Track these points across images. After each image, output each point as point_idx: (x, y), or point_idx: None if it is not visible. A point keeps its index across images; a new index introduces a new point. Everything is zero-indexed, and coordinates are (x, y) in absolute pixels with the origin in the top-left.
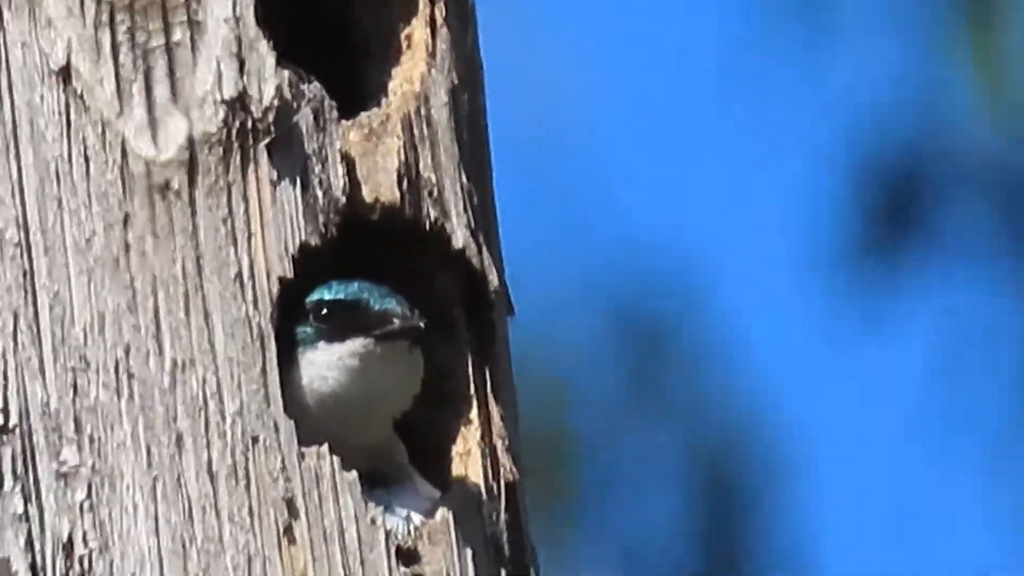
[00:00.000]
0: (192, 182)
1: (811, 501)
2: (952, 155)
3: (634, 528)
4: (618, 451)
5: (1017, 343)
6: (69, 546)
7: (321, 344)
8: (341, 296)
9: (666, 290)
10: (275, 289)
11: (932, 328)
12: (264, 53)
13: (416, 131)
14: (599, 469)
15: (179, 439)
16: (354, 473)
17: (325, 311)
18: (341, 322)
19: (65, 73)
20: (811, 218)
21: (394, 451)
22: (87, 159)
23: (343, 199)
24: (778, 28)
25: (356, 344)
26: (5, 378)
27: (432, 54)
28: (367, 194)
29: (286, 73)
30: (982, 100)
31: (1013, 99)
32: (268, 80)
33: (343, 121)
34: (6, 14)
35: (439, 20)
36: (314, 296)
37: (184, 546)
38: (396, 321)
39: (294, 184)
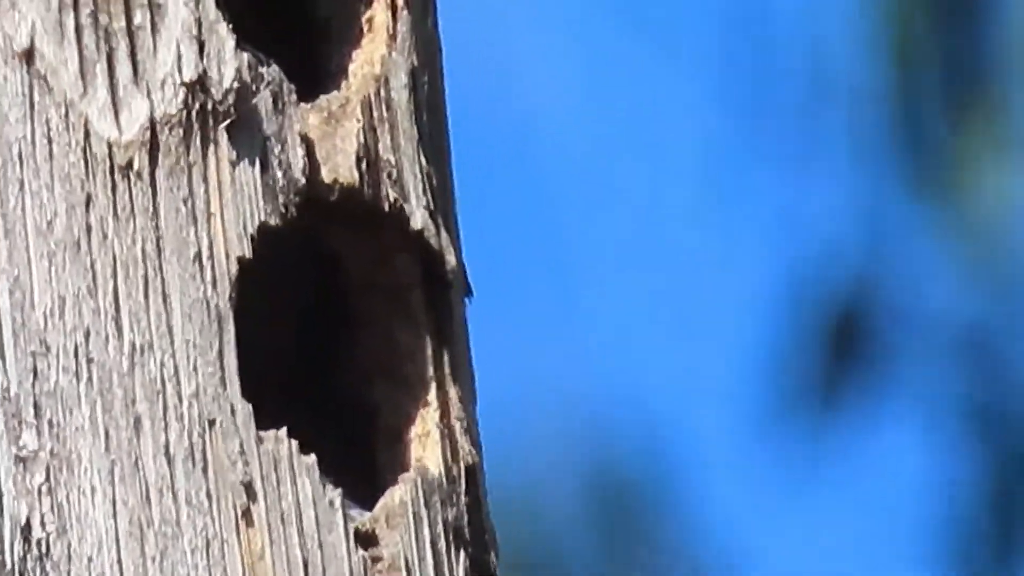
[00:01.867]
0: (153, 163)
1: None
2: (908, 301)
3: None
4: None
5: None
6: (27, 529)
7: None
8: None
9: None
10: (234, 270)
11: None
12: (224, 35)
13: (376, 113)
14: None
15: (137, 422)
16: (312, 456)
17: None
18: None
19: (28, 55)
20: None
21: None
22: (50, 140)
23: (302, 180)
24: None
25: None
26: None
27: (393, 36)
28: (326, 175)
29: (245, 56)
30: (950, 247)
31: (984, 252)
32: (228, 62)
33: (303, 104)
34: None
35: (400, 2)
36: None
37: (142, 528)
38: None
39: (253, 165)
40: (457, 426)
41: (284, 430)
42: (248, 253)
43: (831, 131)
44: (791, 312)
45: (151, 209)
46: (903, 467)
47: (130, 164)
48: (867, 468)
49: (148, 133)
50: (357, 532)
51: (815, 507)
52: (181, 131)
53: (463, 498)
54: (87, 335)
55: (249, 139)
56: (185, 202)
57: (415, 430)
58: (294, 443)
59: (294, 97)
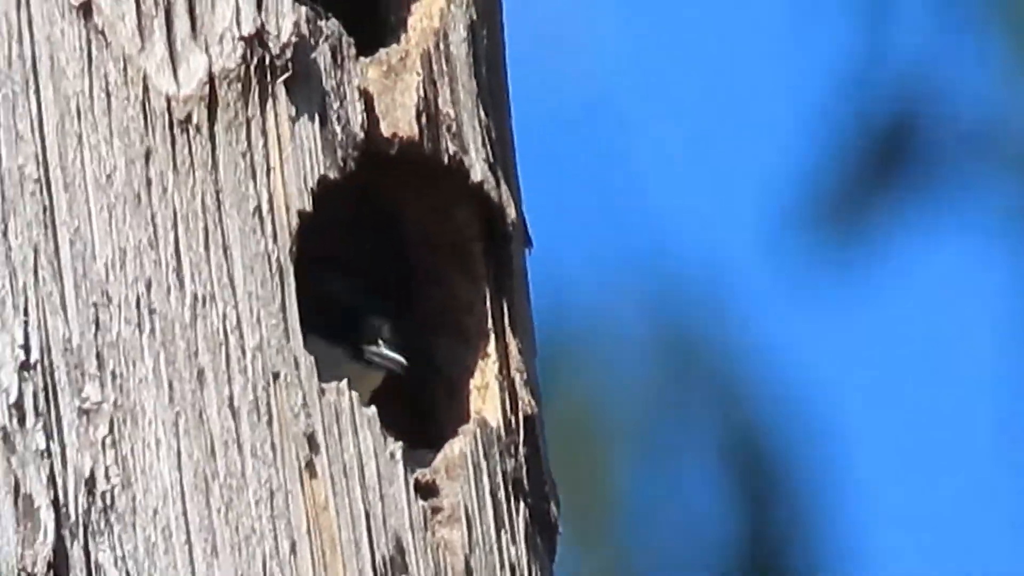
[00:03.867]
0: (212, 117)
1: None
2: (950, 113)
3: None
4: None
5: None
6: (91, 482)
7: (311, 336)
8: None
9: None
10: (294, 223)
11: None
12: None
13: (435, 67)
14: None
15: (200, 374)
16: (373, 409)
17: (327, 302)
18: (336, 321)
19: (86, 8)
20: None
21: None
22: (108, 94)
23: (361, 134)
24: None
25: (337, 354)
26: (26, 314)
27: None
28: (385, 129)
29: (303, 10)
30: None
31: None
32: (286, 16)
33: (362, 58)
34: None
35: None
36: (324, 284)
37: (207, 481)
38: (382, 346)
39: (312, 120)
40: (517, 378)
41: (345, 382)
42: (308, 207)
43: None
44: (837, 122)
45: (210, 163)
46: (956, 276)
47: (189, 118)
48: (916, 274)
49: (207, 88)
50: (418, 483)
51: (854, 312)
52: (240, 86)
53: (522, 449)
54: (149, 286)
55: (308, 93)
56: (244, 156)
57: (475, 382)
58: (355, 395)
59: (353, 51)
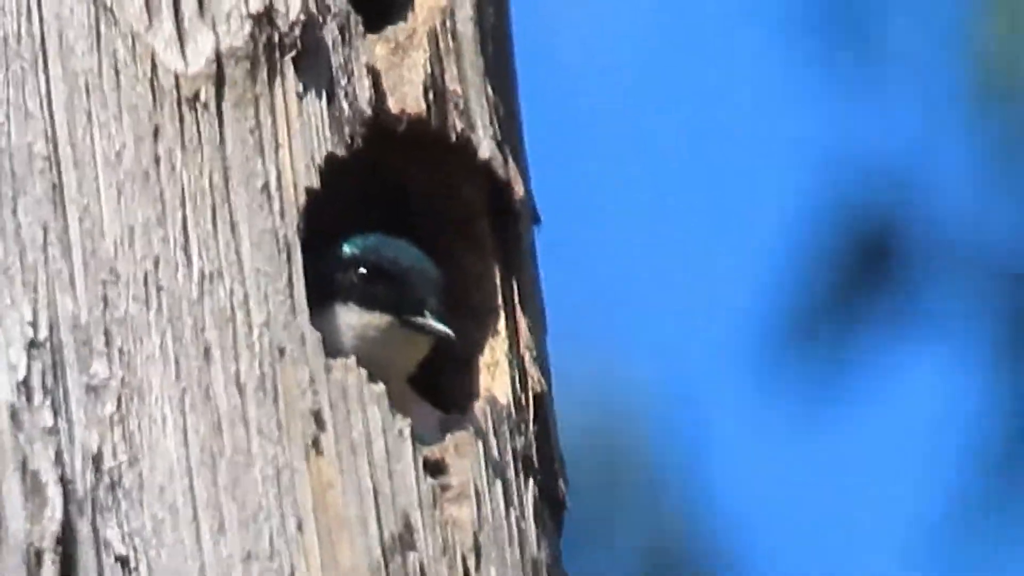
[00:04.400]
0: (220, 95)
1: None
2: (930, 224)
3: None
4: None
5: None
6: (99, 458)
7: (352, 304)
8: (384, 264)
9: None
10: (302, 200)
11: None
12: None
13: (442, 44)
14: None
15: (207, 351)
16: (381, 386)
17: (365, 272)
18: (378, 290)
19: None
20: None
21: (406, 399)
22: (117, 72)
23: (369, 111)
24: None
25: (383, 321)
26: (35, 292)
27: None
28: (393, 106)
29: None
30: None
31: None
32: None
33: (369, 35)
34: None
35: None
36: (357, 247)
37: (213, 457)
38: (429, 316)
39: (320, 97)
40: (526, 355)
41: (353, 359)
42: (316, 183)
43: (881, 56)
44: (816, 236)
45: (218, 140)
46: (926, 396)
47: (197, 96)
48: (888, 396)
49: (214, 65)
50: (426, 460)
51: (832, 436)
52: (247, 63)
53: (532, 427)
54: (156, 263)
55: (315, 71)
56: (252, 133)
57: (484, 359)
58: (363, 372)
59: (360, 28)
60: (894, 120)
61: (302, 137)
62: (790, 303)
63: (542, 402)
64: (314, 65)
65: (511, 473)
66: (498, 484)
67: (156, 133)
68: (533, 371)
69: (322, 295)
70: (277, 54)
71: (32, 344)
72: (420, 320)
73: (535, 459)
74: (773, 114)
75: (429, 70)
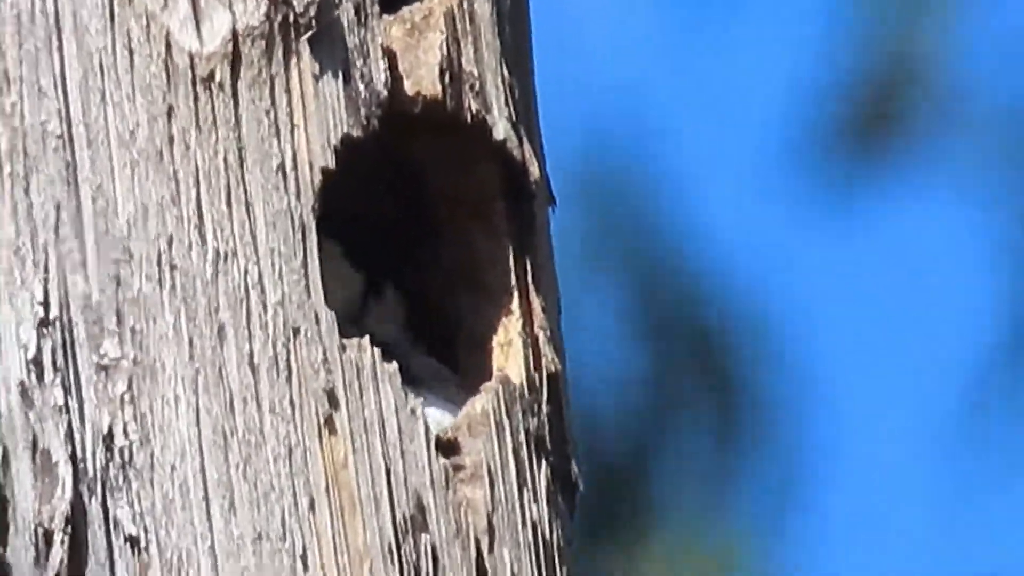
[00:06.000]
0: (235, 75)
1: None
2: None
3: None
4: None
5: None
6: (109, 438)
7: None
8: None
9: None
10: (317, 180)
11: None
12: None
13: (459, 25)
14: None
15: (221, 330)
16: (394, 364)
17: None
18: None
19: None
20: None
21: None
22: (131, 52)
23: (385, 92)
24: None
25: None
26: (47, 271)
27: None
28: (409, 88)
29: None
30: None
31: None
32: None
33: (385, 16)
34: None
35: None
36: None
37: (225, 437)
38: None
39: (336, 77)
40: (540, 335)
41: (367, 338)
42: (331, 164)
43: None
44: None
45: (233, 120)
46: (929, 230)
47: (212, 76)
48: (896, 224)
49: (230, 45)
50: (439, 440)
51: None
52: (263, 43)
53: (545, 407)
54: (170, 242)
55: (331, 51)
56: (267, 114)
57: (497, 339)
58: (376, 351)
59: (376, 8)
60: None
61: (318, 118)
62: (800, 137)
63: (556, 383)
64: (330, 46)
65: (524, 454)
66: (511, 465)
67: (170, 113)
68: (547, 351)
69: None
70: (293, 34)
71: (43, 323)
72: None
73: (548, 440)
74: None
75: (445, 52)
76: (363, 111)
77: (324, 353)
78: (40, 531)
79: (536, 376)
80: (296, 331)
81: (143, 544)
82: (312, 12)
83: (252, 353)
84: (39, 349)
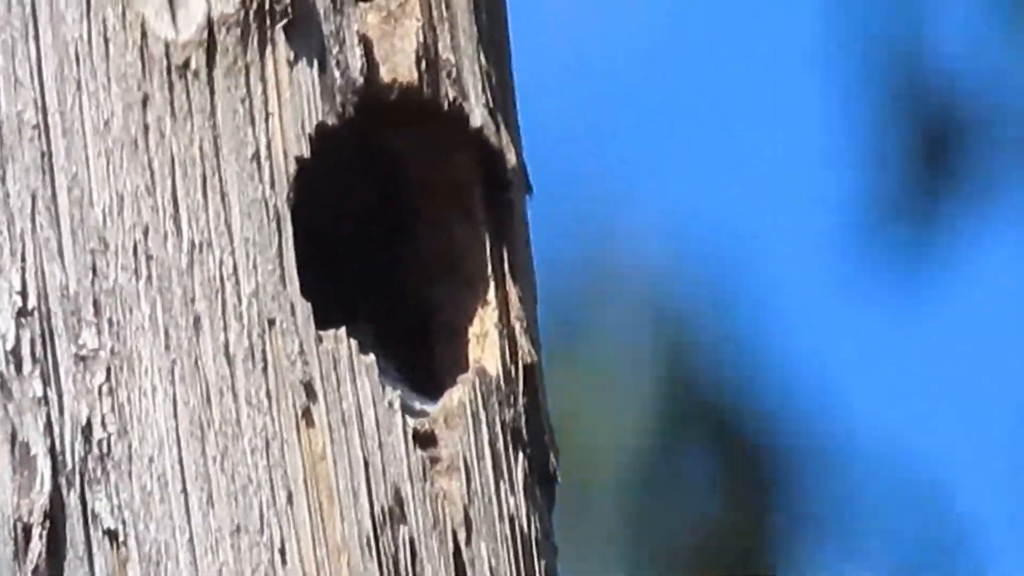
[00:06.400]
0: (211, 63)
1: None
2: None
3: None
4: None
5: None
6: (88, 429)
7: None
8: None
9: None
10: (292, 169)
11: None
12: None
13: (435, 12)
14: None
15: (197, 321)
16: (371, 356)
17: None
18: None
19: None
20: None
21: None
22: (107, 40)
23: (361, 80)
24: None
25: None
26: (23, 260)
27: None
28: (385, 75)
29: None
30: None
31: None
32: None
33: (360, 3)
34: None
35: None
36: None
37: (202, 429)
38: None
39: (311, 65)
40: (517, 326)
41: (343, 330)
42: (306, 153)
43: None
44: (889, 127)
45: (208, 109)
46: (1007, 281)
47: (187, 64)
48: (970, 282)
49: (205, 33)
50: (416, 432)
51: (915, 321)
52: (239, 31)
53: (522, 399)
54: (146, 232)
55: (307, 39)
56: (243, 102)
57: (473, 330)
58: (353, 343)
59: None
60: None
61: (293, 106)
62: (864, 192)
63: (532, 373)
64: (305, 33)
65: (501, 446)
66: (488, 457)
67: (145, 102)
68: (523, 342)
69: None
70: (268, 22)
71: (21, 313)
72: None
73: (525, 432)
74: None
75: (422, 39)
76: (339, 99)
77: (300, 345)
78: (19, 525)
79: (512, 367)
80: (272, 322)
81: (121, 538)
82: (288, 0)
83: (228, 344)
84: (18, 340)
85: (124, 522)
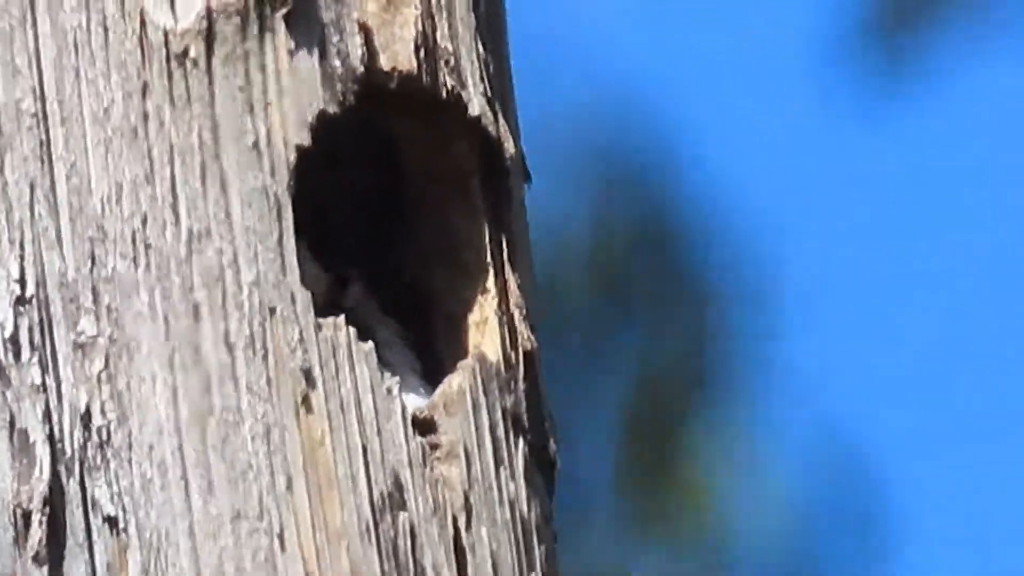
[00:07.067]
0: (210, 51)
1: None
2: None
3: None
4: None
5: None
6: (87, 417)
7: None
8: None
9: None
10: (292, 157)
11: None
12: None
13: (433, 1)
14: None
15: (196, 309)
16: (370, 344)
17: None
18: None
19: None
20: None
21: None
22: (106, 28)
23: (361, 68)
24: None
25: None
26: (22, 248)
27: None
28: (384, 63)
29: None
30: None
31: None
32: None
33: None
34: None
35: None
36: None
37: (202, 416)
38: None
39: (311, 53)
40: (516, 313)
41: (342, 317)
42: (307, 141)
43: None
44: None
45: (208, 97)
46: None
47: (186, 52)
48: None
49: (204, 22)
50: (415, 419)
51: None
52: (238, 19)
53: (521, 385)
54: (144, 221)
55: (307, 27)
56: (242, 90)
57: (473, 317)
58: (352, 330)
59: None
60: None
61: (293, 94)
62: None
63: (532, 360)
64: (305, 21)
65: (501, 432)
66: (488, 443)
67: (144, 90)
68: (523, 329)
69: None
70: (268, 10)
71: (19, 301)
72: None
73: (525, 418)
74: None
75: (420, 27)
76: (339, 87)
77: (300, 332)
78: (19, 512)
79: (512, 354)
80: (272, 310)
81: (122, 524)
82: None
83: (228, 332)
84: (16, 327)
85: (124, 509)
